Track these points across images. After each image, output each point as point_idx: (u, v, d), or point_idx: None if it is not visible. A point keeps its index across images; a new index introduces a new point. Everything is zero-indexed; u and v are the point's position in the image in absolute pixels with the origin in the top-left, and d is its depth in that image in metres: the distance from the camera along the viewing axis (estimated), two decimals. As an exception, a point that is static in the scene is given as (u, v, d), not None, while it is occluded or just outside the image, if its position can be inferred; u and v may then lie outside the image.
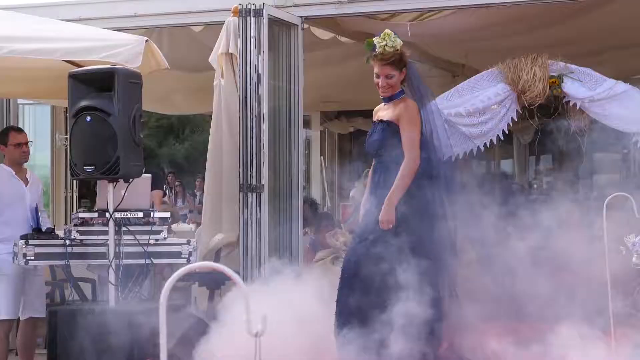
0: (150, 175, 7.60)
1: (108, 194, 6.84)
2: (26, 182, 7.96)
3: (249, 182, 8.39)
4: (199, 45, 9.79)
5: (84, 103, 6.72)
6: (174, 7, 9.31)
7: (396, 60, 6.94)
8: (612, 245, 6.71)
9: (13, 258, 7.21)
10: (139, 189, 7.19)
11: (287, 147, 8.94)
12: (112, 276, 6.88)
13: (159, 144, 20.96)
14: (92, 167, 6.70)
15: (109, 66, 6.74)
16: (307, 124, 16.77)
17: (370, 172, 7.25)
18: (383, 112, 7.05)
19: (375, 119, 7.13)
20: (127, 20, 9.39)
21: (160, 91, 12.22)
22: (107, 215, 6.91)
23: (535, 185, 17.30)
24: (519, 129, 15.57)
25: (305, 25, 9.81)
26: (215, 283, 8.38)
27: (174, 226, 11.85)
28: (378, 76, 6.97)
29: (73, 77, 6.82)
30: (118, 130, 6.64)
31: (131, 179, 6.89)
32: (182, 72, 10.92)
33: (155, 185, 8.34)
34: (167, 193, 18.78)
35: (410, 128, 6.93)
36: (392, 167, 6.88)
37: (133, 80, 6.76)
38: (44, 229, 7.66)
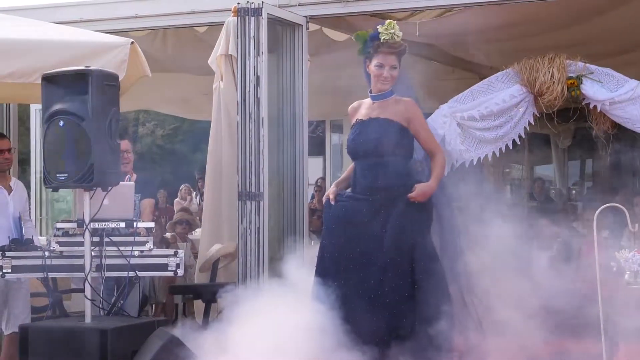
0: (133, 183, 7.24)
1: (84, 203, 6.45)
2: (9, 190, 7.64)
3: (247, 189, 8.00)
4: (204, 47, 9.41)
5: (57, 107, 6.35)
6: (175, 8, 9.00)
7: (402, 52, 6.63)
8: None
9: (-9, 271, 6.85)
10: (122, 198, 6.81)
11: (292, 153, 8.53)
12: (87, 291, 6.49)
13: (193, 149, 20.69)
14: (65, 175, 6.32)
15: (82, 67, 6.37)
16: (339, 128, 16.40)
17: (351, 172, 6.79)
18: (372, 110, 6.65)
19: (359, 117, 6.69)
20: (128, 22, 9.13)
21: (176, 93, 11.97)
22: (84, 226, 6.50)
23: (574, 192, 16.79)
24: (557, 133, 15.11)
25: (317, 26, 9.46)
26: (212, 296, 7.99)
27: (193, 233, 11.55)
28: (381, 66, 6.61)
29: (46, 79, 6.46)
30: (92, 135, 6.26)
31: (110, 187, 6.48)
32: (190, 75, 10.61)
33: (147, 193, 7.97)
34: (198, 200, 18.50)
35: (427, 126, 6.82)
36: (391, 167, 6.53)
37: (109, 82, 6.38)
38: (32, 238, 7.32)
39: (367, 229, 6.45)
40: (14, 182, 7.78)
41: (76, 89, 6.35)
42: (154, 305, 10.48)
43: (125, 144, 7.89)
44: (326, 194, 6.83)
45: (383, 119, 6.58)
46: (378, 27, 6.71)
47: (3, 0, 9.33)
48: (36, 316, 7.91)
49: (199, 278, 8.55)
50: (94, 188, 6.42)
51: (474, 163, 7.96)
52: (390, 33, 6.59)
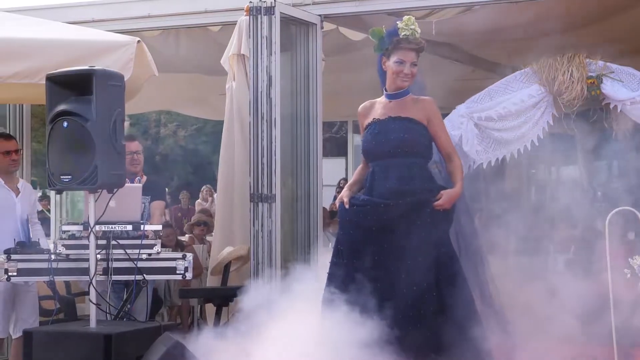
0: (140, 185, 7.12)
1: (89, 205, 6.34)
2: (17, 192, 7.54)
3: (259, 191, 7.85)
4: (218, 46, 9.29)
5: (61, 107, 6.23)
6: (188, 7, 8.86)
7: (421, 49, 6.38)
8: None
9: (-2, 274, 6.74)
10: (129, 200, 6.70)
11: (306, 154, 8.38)
12: (92, 295, 6.37)
13: (215, 149, 20.56)
14: (69, 177, 6.20)
15: (87, 67, 6.24)
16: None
17: (362, 174, 6.54)
18: (389, 109, 6.34)
19: (376, 116, 6.38)
20: (140, 22, 9.01)
21: (194, 94, 11.87)
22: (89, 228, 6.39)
23: (599, 193, 16.53)
24: (582, 133, 14.84)
25: (333, 26, 9.31)
26: (223, 299, 7.87)
27: (213, 235, 11.42)
28: (402, 63, 6.31)
29: (50, 79, 6.34)
30: (96, 136, 6.12)
31: (115, 189, 6.36)
32: (204, 75, 10.48)
33: (157, 195, 7.83)
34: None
35: (445, 127, 6.56)
36: (416, 169, 6.26)
37: (113, 83, 6.24)
38: (38, 241, 7.21)
39: (388, 237, 6.16)
40: (22, 183, 7.68)
41: (80, 90, 6.23)
42: (169, 308, 10.40)
43: (135, 145, 7.79)
44: (339, 197, 6.52)
45: (404, 117, 6.30)
46: (397, 22, 6.43)
47: (15, 0, 9.28)
48: (47, 319, 7.81)
49: (211, 281, 8.43)
50: (99, 190, 6.28)
51: (492, 164, 7.79)
52: (411, 29, 6.32)
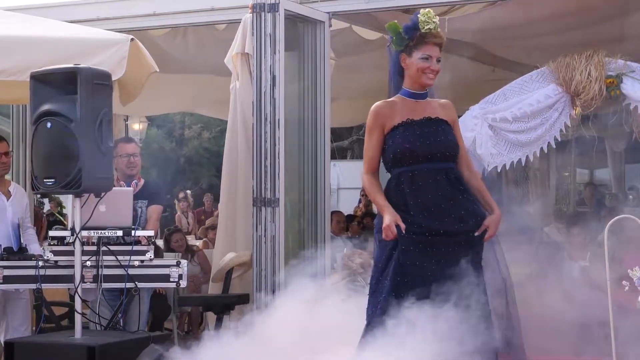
0: (130, 189, 6.86)
1: (74, 209, 6.08)
2: (8, 195, 7.30)
3: (262, 195, 7.57)
4: (225, 45, 9.03)
5: (45, 107, 5.98)
6: (194, 5, 8.62)
7: (443, 44, 5.80)
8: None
9: (-15, 281, 6.48)
10: (119, 204, 6.43)
11: (313, 157, 8.09)
12: (77, 304, 6.11)
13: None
14: (53, 180, 5.94)
15: (71, 65, 5.98)
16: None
17: (376, 184, 5.90)
18: (419, 110, 5.74)
19: (409, 116, 5.71)
20: (146, 20, 8.83)
21: (216, 95, 11.62)
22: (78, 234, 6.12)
23: (631, 196, 16.15)
24: (611, 135, 14.49)
25: (346, 24, 9.01)
26: (224, 307, 7.60)
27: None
28: (428, 58, 5.69)
29: (35, 78, 6.09)
30: (80, 138, 5.86)
31: (103, 193, 6.09)
32: (212, 75, 10.24)
33: (155, 199, 7.54)
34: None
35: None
36: (458, 172, 5.73)
37: (99, 82, 5.97)
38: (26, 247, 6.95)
39: (445, 270, 5.51)
40: (14, 187, 7.44)
41: (65, 88, 5.98)
42: (179, 314, 10.15)
43: (132, 147, 7.52)
44: (392, 220, 5.56)
45: (442, 119, 5.76)
46: (417, 15, 5.92)
47: (19, -1, 9.09)
48: (49, 326, 7.55)
49: (213, 288, 8.15)
50: (84, 194, 6.02)
51: (507, 167, 7.48)
52: (434, 22, 5.75)
